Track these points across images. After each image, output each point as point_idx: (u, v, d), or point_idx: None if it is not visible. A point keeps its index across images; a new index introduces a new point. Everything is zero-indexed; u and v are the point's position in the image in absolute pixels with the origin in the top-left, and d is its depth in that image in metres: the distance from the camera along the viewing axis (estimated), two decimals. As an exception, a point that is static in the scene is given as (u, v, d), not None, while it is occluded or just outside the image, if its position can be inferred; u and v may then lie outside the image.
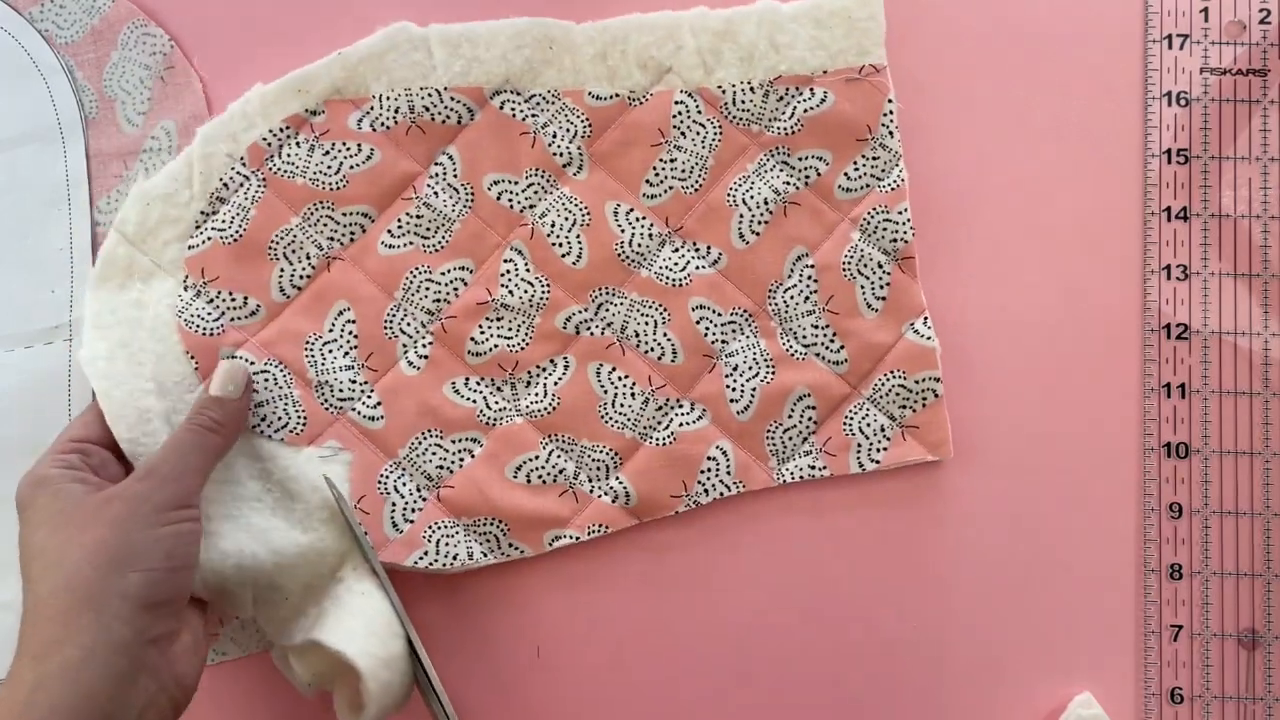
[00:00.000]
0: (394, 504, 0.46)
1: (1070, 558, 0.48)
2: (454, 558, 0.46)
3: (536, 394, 0.47)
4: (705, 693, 0.47)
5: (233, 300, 0.47)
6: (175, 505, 0.39)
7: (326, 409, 0.46)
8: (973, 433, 0.48)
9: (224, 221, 0.47)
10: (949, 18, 0.49)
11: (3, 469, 0.47)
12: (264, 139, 0.47)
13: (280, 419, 0.46)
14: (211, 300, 0.46)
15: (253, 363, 0.46)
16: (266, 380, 0.46)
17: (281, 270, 0.47)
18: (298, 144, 0.47)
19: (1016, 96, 0.49)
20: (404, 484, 0.46)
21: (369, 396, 0.47)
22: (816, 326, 0.47)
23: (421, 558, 0.46)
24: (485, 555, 0.47)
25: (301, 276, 0.47)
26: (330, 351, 0.47)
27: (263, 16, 0.50)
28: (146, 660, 0.36)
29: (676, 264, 0.47)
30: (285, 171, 0.47)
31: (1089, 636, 0.48)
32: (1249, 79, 0.49)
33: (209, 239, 0.47)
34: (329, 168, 0.47)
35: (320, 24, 0.49)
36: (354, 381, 0.47)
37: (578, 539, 0.47)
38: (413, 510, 0.46)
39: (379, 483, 0.46)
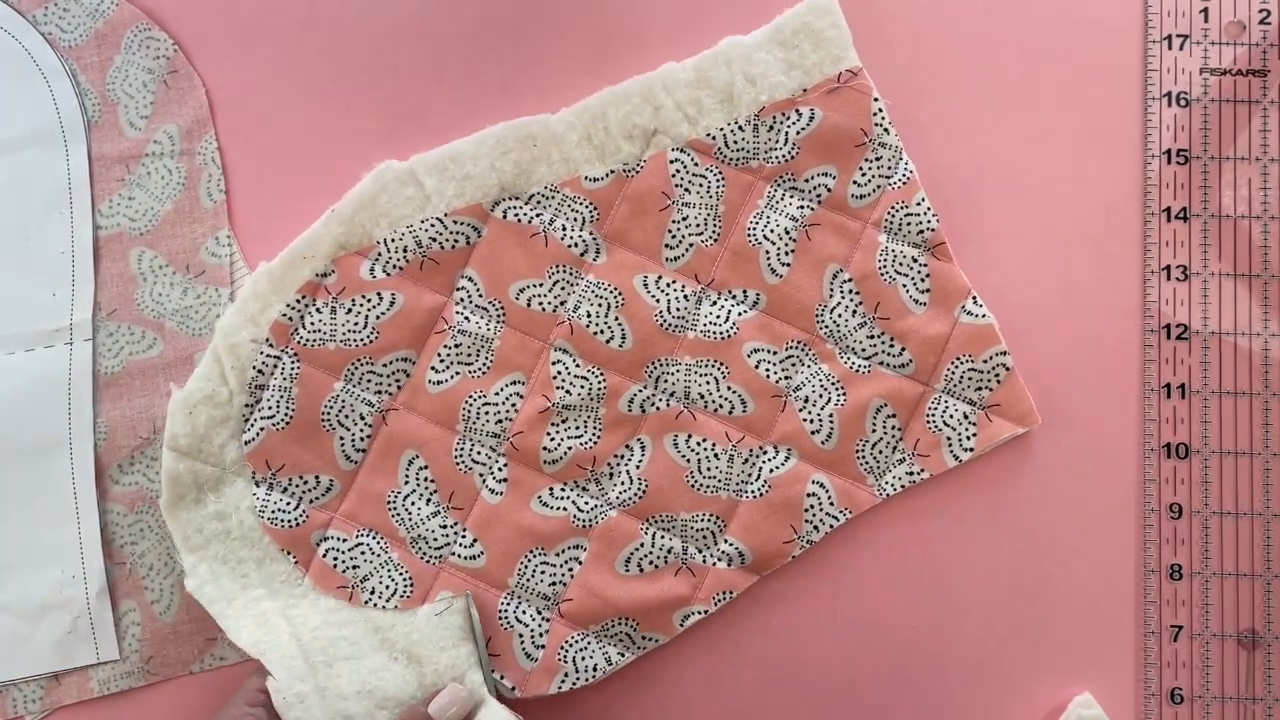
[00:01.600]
0: (520, 634, 0.46)
1: (1070, 558, 0.48)
2: (594, 669, 0.46)
3: (622, 483, 0.47)
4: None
5: (304, 483, 0.46)
6: None
7: (427, 562, 0.46)
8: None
9: (270, 408, 0.46)
10: (949, 19, 0.50)
11: (3, 469, 0.47)
12: (284, 314, 0.46)
13: (388, 587, 0.45)
14: (285, 489, 0.46)
15: (345, 540, 0.46)
16: (364, 552, 0.46)
17: (341, 438, 0.46)
18: (318, 310, 0.47)
19: (1017, 97, 0.49)
20: (524, 611, 0.46)
21: (463, 537, 0.46)
22: (872, 336, 0.47)
23: (564, 680, 0.46)
24: (623, 655, 0.46)
25: (362, 438, 0.46)
26: (413, 503, 0.46)
27: (265, 21, 0.50)
28: None
29: (719, 317, 0.47)
30: (313, 341, 0.46)
31: (1089, 637, 0.47)
32: (1249, 79, 0.49)
33: (261, 430, 0.46)
34: (356, 324, 0.47)
35: (321, 26, 0.49)
36: (444, 526, 0.46)
37: (706, 612, 0.46)
38: (540, 635, 0.46)
39: (500, 617, 0.46)
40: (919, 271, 0.47)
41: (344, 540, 0.46)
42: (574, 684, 0.46)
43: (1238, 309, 0.48)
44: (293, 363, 0.46)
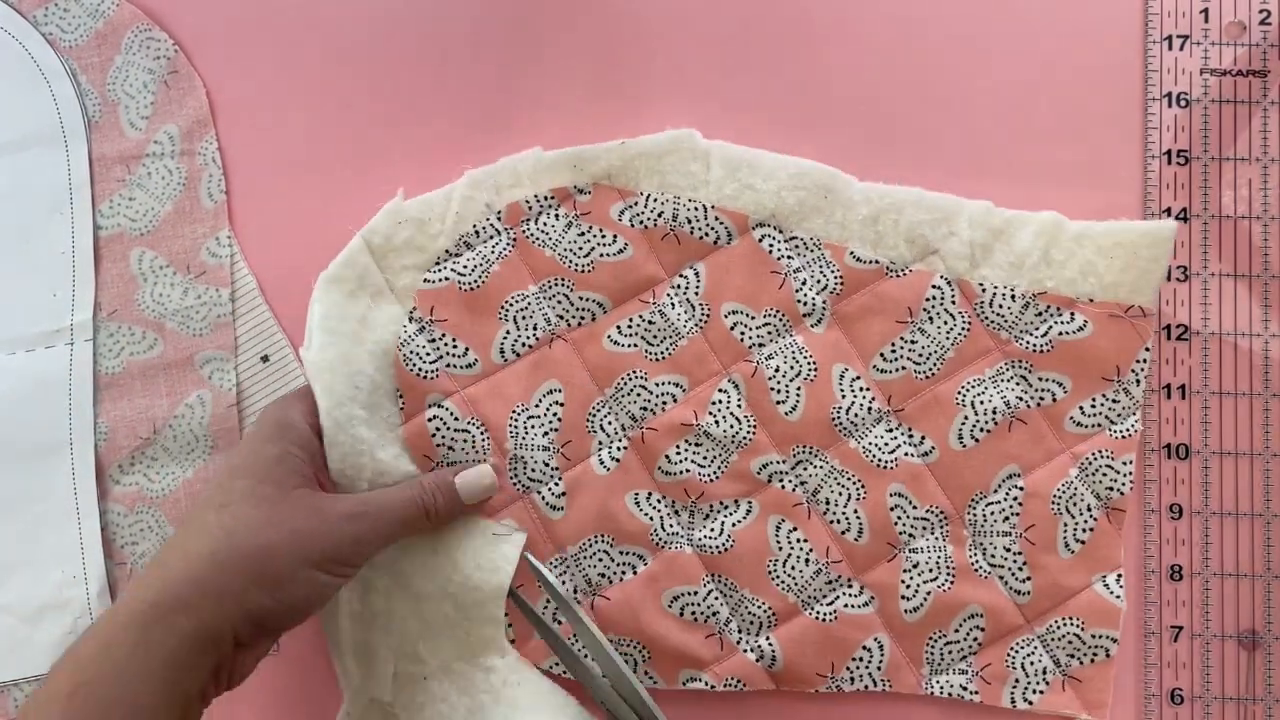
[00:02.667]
0: (547, 600, 0.46)
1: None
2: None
3: (713, 529, 0.46)
4: None
5: (454, 347, 0.46)
6: (349, 561, 0.40)
7: (515, 484, 0.46)
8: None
9: (465, 267, 0.47)
10: (949, 19, 0.49)
11: (3, 470, 0.47)
12: (526, 201, 0.47)
13: (470, 484, 0.46)
14: (434, 340, 0.46)
15: (457, 418, 0.46)
16: (465, 439, 0.46)
17: (507, 333, 0.47)
18: (557, 216, 0.47)
19: (1017, 97, 0.49)
20: (565, 582, 0.46)
21: (556, 484, 0.46)
22: (1009, 550, 0.46)
23: (556, 664, 0.45)
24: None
25: (525, 345, 0.47)
26: (532, 427, 0.46)
27: (266, 22, 0.50)
28: (224, 657, 0.37)
29: (887, 444, 0.47)
30: (537, 239, 0.47)
31: None
32: (1249, 80, 0.48)
33: (446, 279, 0.47)
34: (580, 249, 0.47)
35: (321, 26, 0.50)
36: (547, 465, 0.46)
37: (712, 687, 0.46)
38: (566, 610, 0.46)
39: (540, 574, 0.46)
40: (1086, 521, 0.46)
41: (455, 418, 0.46)
42: (563, 672, 0.46)
43: (1238, 309, 0.48)
44: (509, 244, 0.47)
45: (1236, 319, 0.48)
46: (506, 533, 0.45)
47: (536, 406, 0.46)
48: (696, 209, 0.47)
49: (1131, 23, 0.49)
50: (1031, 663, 0.46)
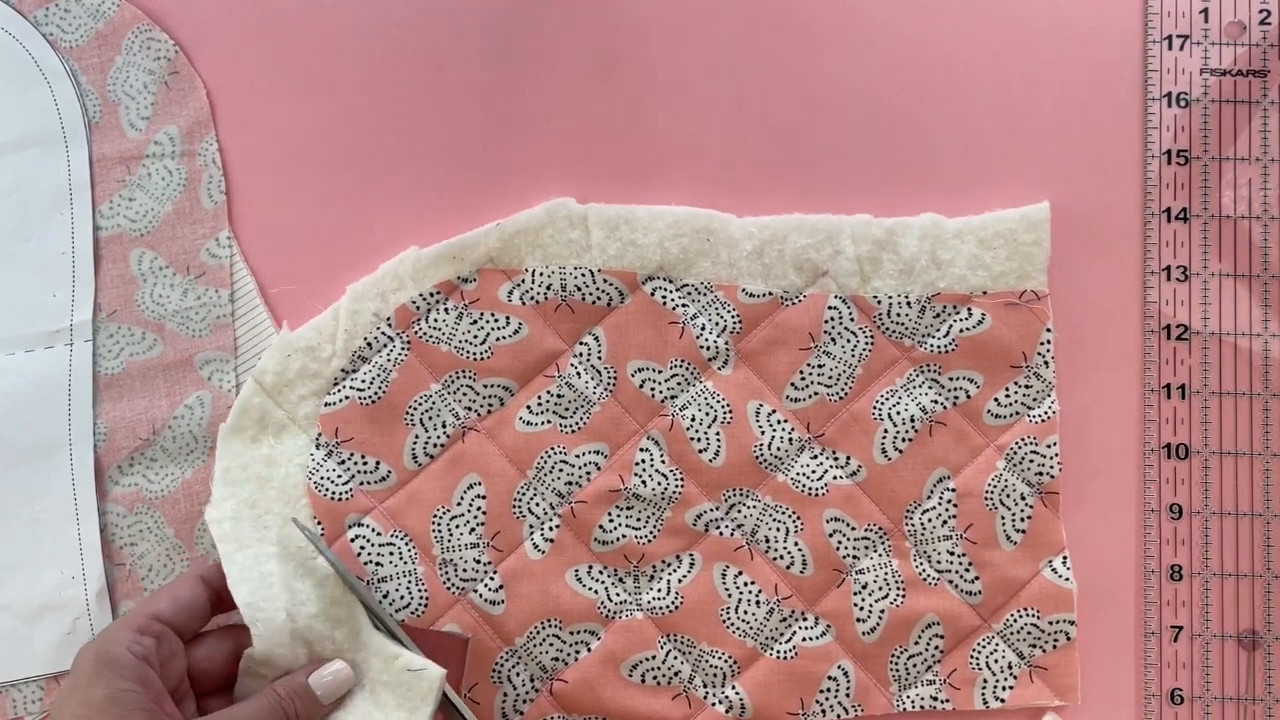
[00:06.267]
0: (505, 694, 0.45)
1: (1071, 558, 0.47)
2: (560, 753, 0.45)
3: (659, 590, 0.46)
4: None
5: (364, 463, 0.46)
6: None
7: (449, 589, 0.46)
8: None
9: (364, 381, 0.46)
10: (949, 19, 0.49)
11: (2, 470, 0.47)
12: (413, 301, 0.47)
13: (402, 598, 0.45)
14: (343, 462, 0.46)
15: (379, 533, 0.45)
16: (391, 554, 0.45)
17: (416, 437, 0.46)
18: (446, 310, 0.47)
19: (1017, 97, 0.49)
20: (518, 674, 0.45)
21: (491, 579, 0.46)
22: (953, 553, 0.46)
23: None
24: (591, 752, 0.45)
25: (436, 445, 0.46)
26: (457, 527, 0.46)
27: (266, 22, 0.50)
28: None
29: (814, 472, 0.47)
30: (431, 337, 0.47)
31: (1089, 637, 0.47)
32: (1249, 80, 0.48)
33: (346, 398, 0.46)
34: (475, 337, 0.47)
35: (321, 27, 0.49)
36: (478, 561, 0.46)
37: (687, 746, 0.45)
38: (524, 702, 0.45)
39: (494, 671, 0.45)
40: (1022, 510, 0.46)
41: (377, 534, 0.45)
42: None
43: (1238, 309, 0.48)
44: (403, 349, 0.46)
45: (1236, 319, 0.48)
46: (423, 668, 0.43)
47: (459, 505, 0.46)
48: (584, 275, 0.47)
49: (1131, 23, 0.49)
50: (996, 660, 0.46)
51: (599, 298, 0.47)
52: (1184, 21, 0.49)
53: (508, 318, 0.47)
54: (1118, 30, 0.49)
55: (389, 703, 0.42)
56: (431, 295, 0.47)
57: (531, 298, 0.47)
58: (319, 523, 0.45)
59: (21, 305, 0.48)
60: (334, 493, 0.46)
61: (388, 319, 0.47)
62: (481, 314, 0.47)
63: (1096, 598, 0.47)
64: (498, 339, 0.47)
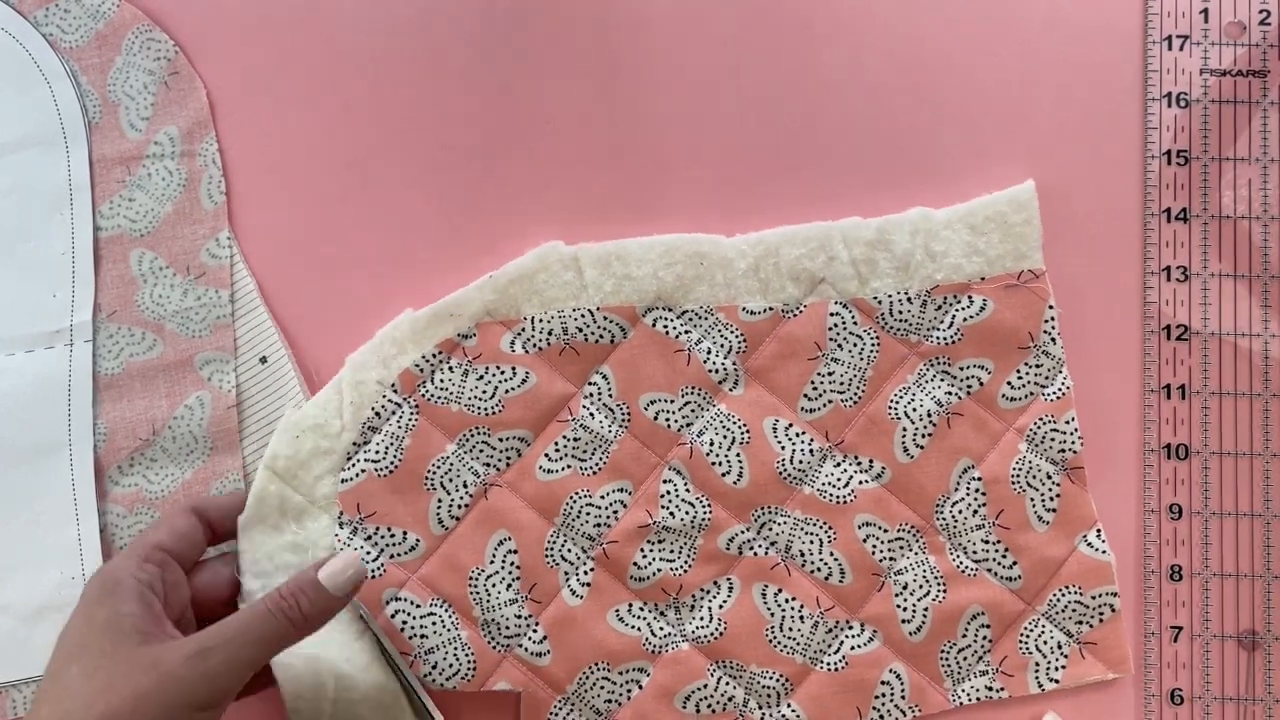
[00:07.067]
0: None
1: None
2: (625, 795, 0.45)
3: (702, 618, 0.46)
4: None
5: (391, 536, 0.46)
6: (206, 704, 0.37)
7: (494, 648, 0.45)
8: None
9: (377, 453, 0.46)
10: (949, 19, 0.49)
11: (3, 471, 0.47)
12: (416, 365, 0.46)
13: (451, 665, 0.45)
14: (369, 537, 0.45)
15: (418, 605, 0.45)
16: (433, 623, 0.45)
17: (439, 501, 0.46)
18: (450, 369, 0.46)
19: (1016, 97, 0.49)
20: (574, 722, 0.45)
21: (534, 631, 0.45)
22: (987, 541, 0.46)
23: None
24: (656, 790, 0.45)
25: (461, 506, 0.46)
26: (494, 585, 0.46)
27: (266, 22, 0.49)
28: None
29: (839, 480, 0.47)
30: (439, 398, 0.46)
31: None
32: (1249, 80, 0.49)
33: (363, 471, 0.46)
34: (484, 392, 0.46)
35: (321, 27, 0.49)
36: (519, 616, 0.46)
37: (751, 771, 0.45)
38: (583, 749, 0.45)
39: (550, 718, 0.45)
40: (1050, 490, 0.46)
41: (417, 605, 0.45)
42: None
43: (1238, 309, 0.48)
44: (412, 414, 0.46)
45: (1236, 319, 0.48)
46: None
47: (491, 563, 0.46)
48: (584, 315, 0.47)
49: (1131, 23, 0.49)
50: (1045, 642, 0.46)
51: (601, 336, 0.47)
52: (1184, 21, 0.49)
53: (514, 368, 0.46)
54: (1118, 30, 0.49)
55: None
56: (434, 355, 0.46)
57: (534, 345, 0.47)
58: (357, 604, 0.45)
59: (21, 305, 0.48)
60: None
61: (392, 385, 0.46)
62: (487, 368, 0.46)
63: (1096, 599, 0.47)
64: (507, 390, 0.46)
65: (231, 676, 0.37)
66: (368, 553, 0.45)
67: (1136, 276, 0.48)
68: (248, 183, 0.49)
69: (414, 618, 0.45)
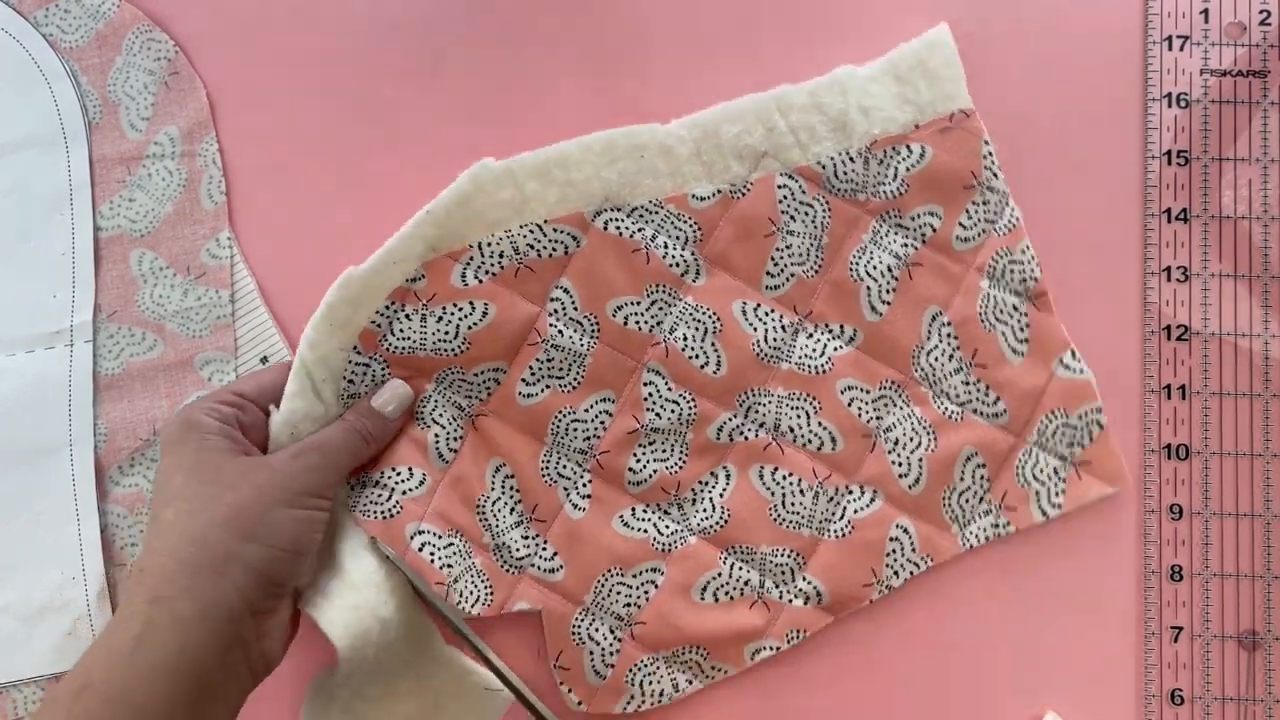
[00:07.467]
0: (591, 651, 0.45)
1: (1071, 559, 0.48)
2: (660, 694, 0.45)
3: (705, 510, 0.46)
4: None
5: (397, 474, 0.45)
6: (316, 492, 0.40)
7: (507, 571, 0.45)
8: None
9: (357, 408, 0.45)
10: (949, 20, 0.49)
11: (3, 471, 0.47)
12: (372, 322, 0.45)
13: (471, 592, 0.45)
14: (378, 483, 0.45)
15: (439, 535, 0.45)
16: (454, 553, 0.45)
17: (436, 435, 0.45)
18: (407, 316, 0.45)
19: (1017, 97, 0.49)
20: (597, 629, 0.45)
21: (544, 549, 0.45)
22: (967, 383, 0.47)
23: (629, 702, 0.45)
24: (690, 683, 0.46)
25: (455, 438, 0.46)
26: (499, 511, 0.45)
27: (266, 22, 0.49)
28: (245, 631, 0.38)
29: (815, 350, 0.47)
30: (403, 348, 0.45)
31: (1090, 638, 0.48)
32: (1249, 80, 0.49)
33: (347, 428, 0.45)
34: (447, 334, 0.45)
35: (322, 27, 0.49)
36: (526, 537, 0.45)
37: (778, 648, 0.46)
38: (611, 654, 0.45)
39: (573, 633, 0.45)
40: (1019, 320, 0.47)
41: (439, 536, 0.45)
42: (639, 707, 0.45)
43: (1238, 310, 0.48)
44: (383, 369, 0.45)
45: (1236, 319, 0.48)
46: (498, 688, 0.44)
47: (493, 490, 0.45)
48: (532, 231, 0.46)
49: (1131, 23, 0.49)
50: (1041, 470, 0.47)
51: (554, 249, 0.46)
52: (1184, 22, 0.49)
53: (470, 303, 0.46)
54: (1118, 30, 0.49)
55: (454, 712, 0.44)
56: (388, 308, 0.45)
57: (487, 271, 0.46)
58: (376, 544, 0.45)
59: (21, 306, 0.48)
60: (381, 511, 0.45)
61: (354, 348, 0.45)
62: (444, 308, 0.45)
63: (1096, 598, 0.47)
64: (470, 327, 0.46)
65: (329, 472, 0.41)
66: (380, 495, 0.45)
67: (1136, 276, 0.48)
68: (248, 183, 0.49)
69: (439, 548, 0.45)
